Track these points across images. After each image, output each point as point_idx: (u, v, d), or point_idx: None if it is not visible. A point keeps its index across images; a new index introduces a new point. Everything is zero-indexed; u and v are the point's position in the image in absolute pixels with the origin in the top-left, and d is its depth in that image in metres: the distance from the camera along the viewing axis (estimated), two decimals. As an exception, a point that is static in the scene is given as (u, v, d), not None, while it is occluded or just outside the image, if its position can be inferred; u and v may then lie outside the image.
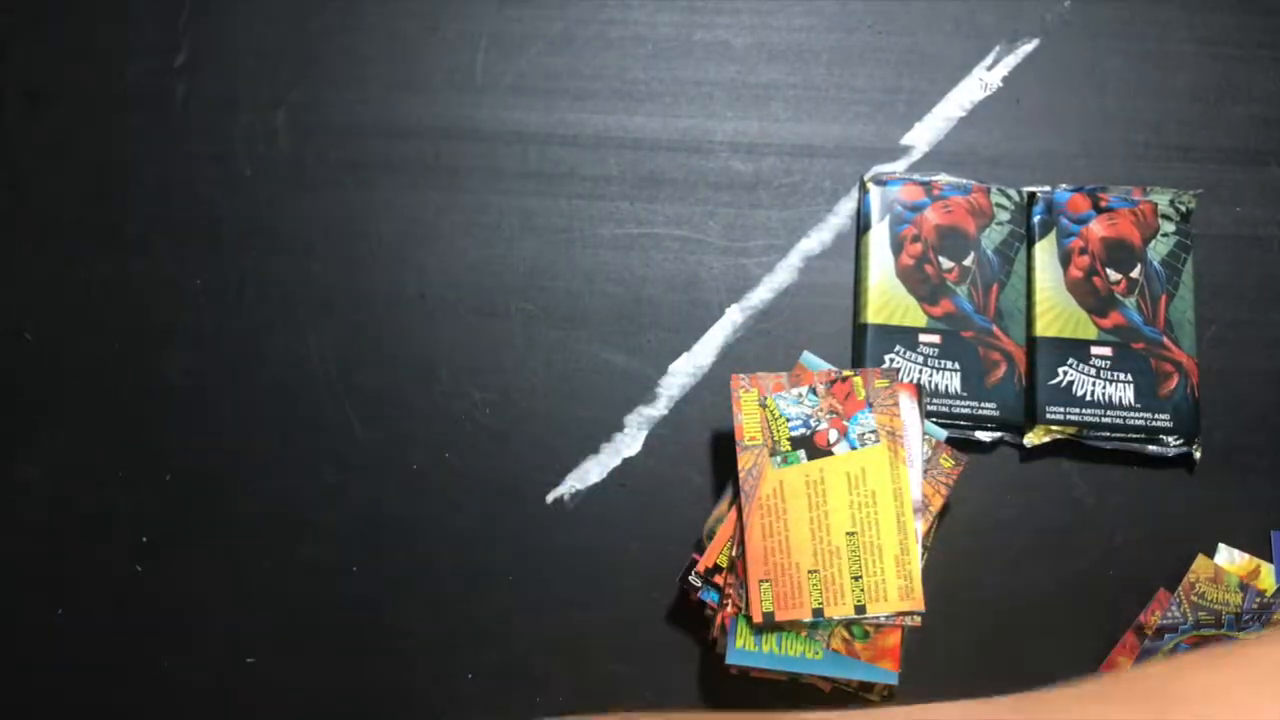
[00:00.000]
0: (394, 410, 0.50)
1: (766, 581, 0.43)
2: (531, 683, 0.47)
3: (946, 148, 0.52)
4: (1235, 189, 0.52)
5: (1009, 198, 0.50)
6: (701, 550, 0.45)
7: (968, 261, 0.49)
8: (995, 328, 0.49)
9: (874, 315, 0.49)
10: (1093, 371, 0.48)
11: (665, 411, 0.50)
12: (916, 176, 0.51)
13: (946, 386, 0.48)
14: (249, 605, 0.48)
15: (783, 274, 0.51)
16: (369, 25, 0.54)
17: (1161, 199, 0.50)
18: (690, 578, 0.45)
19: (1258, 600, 0.45)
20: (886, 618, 0.43)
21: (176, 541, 0.49)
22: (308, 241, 0.52)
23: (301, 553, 0.49)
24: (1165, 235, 0.50)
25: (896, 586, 0.43)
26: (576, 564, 0.48)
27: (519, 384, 0.50)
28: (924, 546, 0.44)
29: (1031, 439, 0.48)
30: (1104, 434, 0.48)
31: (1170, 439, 0.48)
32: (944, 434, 0.46)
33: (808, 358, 0.47)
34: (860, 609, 0.43)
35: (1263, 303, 0.51)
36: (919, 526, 0.44)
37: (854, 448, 0.44)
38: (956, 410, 0.48)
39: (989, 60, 0.53)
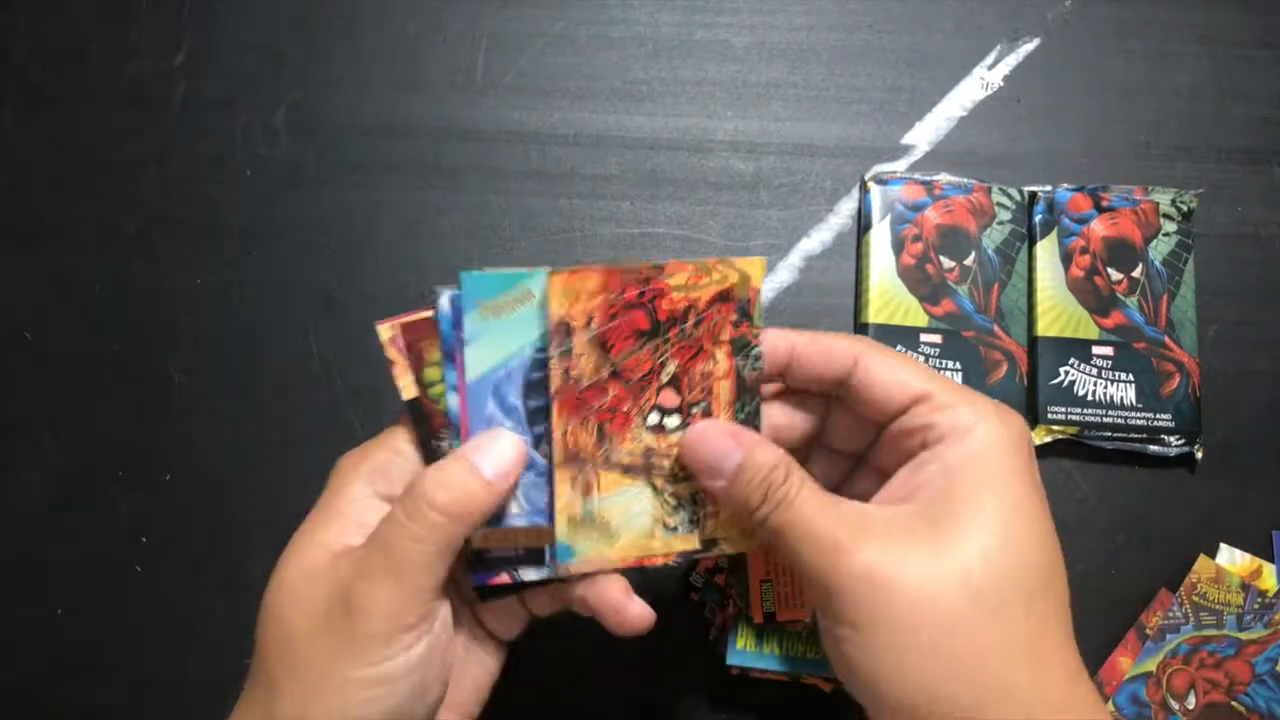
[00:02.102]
0: (394, 410, 0.50)
1: (768, 582, 0.43)
2: (531, 682, 0.47)
3: (947, 147, 0.52)
4: (1237, 189, 0.52)
5: (1010, 197, 0.50)
6: (702, 550, 0.45)
7: (969, 261, 0.49)
8: (996, 327, 0.49)
9: (875, 315, 0.49)
10: (1094, 371, 0.48)
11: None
12: (917, 176, 0.51)
13: (947, 386, 0.48)
14: (249, 605, 0.48)
15: (783, 273, 0.51)
16: (369, 25, 0.54)
17: (1163, 198, 0.50)
18: (690, 578, 0.45)
19: (1259, 600, 0.45)
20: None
21: (176, 541, 0.49)
22: (308, 241, 0.52)
23: (301, 553, 0.49)
24: (1167, 235, 0.50)
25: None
26: (577, 564, 0.48)
27: (519, 384, 0.50)
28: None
29: (1033, 439, 0.48)
30: (1105, 434, 0.48)
31: (1172, 439, 0.48)
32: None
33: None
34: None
35: (1264, 303, 0.51)
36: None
37: (855, 447, 0.44)
38: (957, 410, 0.48)
39: (990, 59, 0.53)
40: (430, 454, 0.33)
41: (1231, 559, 0.47)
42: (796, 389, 0.35)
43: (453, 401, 0.32)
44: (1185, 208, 0.50)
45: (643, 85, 0.53)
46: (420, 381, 0.33)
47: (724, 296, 0.32)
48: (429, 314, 0.32)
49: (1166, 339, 0.49)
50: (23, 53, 0.54)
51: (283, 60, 0.54)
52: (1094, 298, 0.49)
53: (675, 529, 0.34)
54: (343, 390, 0.50)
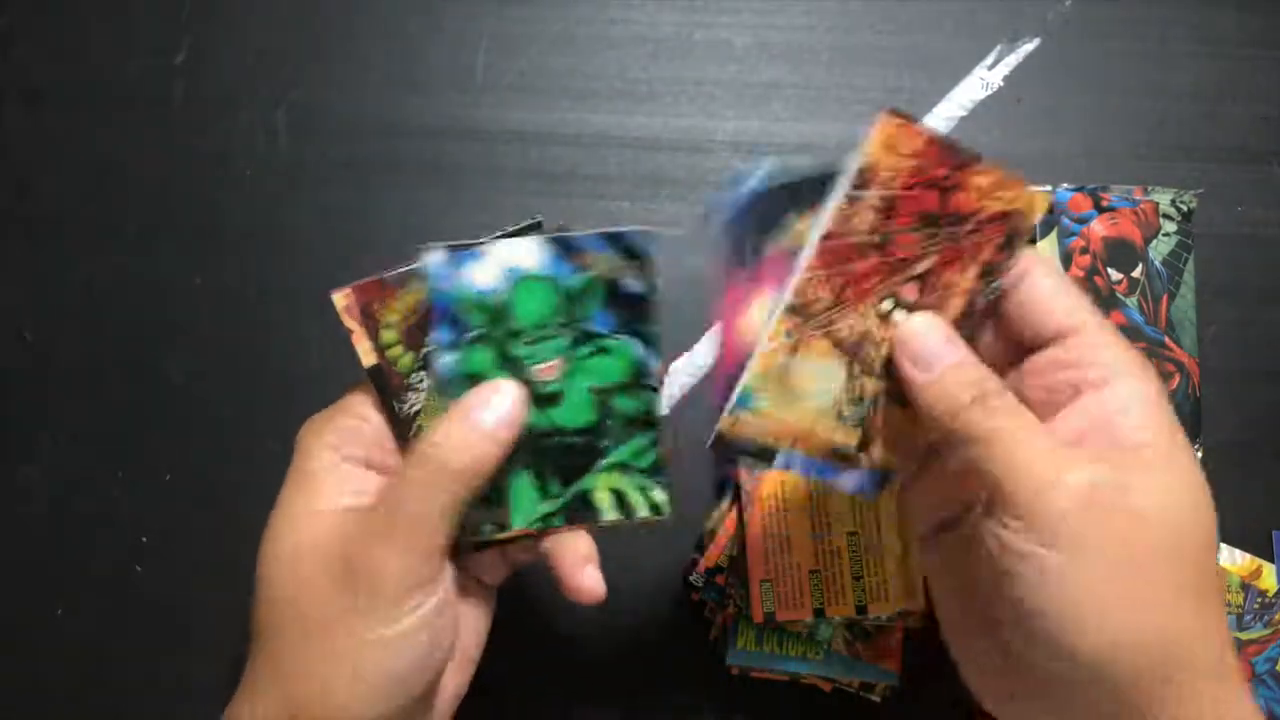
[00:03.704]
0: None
1: (768, 582, 0.43)
2: (531, 682, 0.47)
3: (947, 147, 0.52)
4: (1236, 189, 0.52)
5: (1010, 197, 0.50)
6: (701, 550, 0.45)
7: (969, 261, 0.49)
8: (996, 327, 0.49)
9: (875, 315, 0.49)
10: (1094, 371, 0.48)
11: (665, 411, 0.50)
12: (917, 176, 0.51)
13: (947, 386, 0.48)
14: (249, 605, 0.48)
15: (783, 274, 0.51)
16: (369, 25, 0.54)
17: (1163, 198, 0.50)
18: (690, 578, 0.45)
19: (1259, 600, 0.45)
20: (888, 618, 0.43)
21: (176, 541, 0.49)
22: (308, 241, 0.52)
23: (302, 553, 0.49)
24: (1166, 235, 0.50)
25: (898, 586, 0.43)
26: (577, 564, 0.48)
27: (519, 384, 0.50)
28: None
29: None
30: (1105, 434, 0.48)
31: (1171, 439, 0.48)
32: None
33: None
34: (862, 609, 0.43)
35: (1264, 303, 0.51)
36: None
37: (855, 447, 0.44)
38: (957, 410, 0.48)
39: (990, 60, 0.53)
40: (394, 416, 0.34)
41: (1231, 559, 0.47)
42: None
43: (447, 360, 0.33)
44: (1185, 208, 0.50)
45: (643, 85, 0.53)
46: (378, 345, 0.33)
47: (1003, 217, 0.32)
48: (379, 277, 0.33)
49: (1166, 339, 0.49)
50: (23, 53, 0.54)
51: (283, 60, 0.54)
52: (1094, 298, 0.49)
53: (845, 419, 0.34)
54: (343, 390, 0.50)
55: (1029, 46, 0.54)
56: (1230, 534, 0.47)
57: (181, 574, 0.49)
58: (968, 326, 0.33)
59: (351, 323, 0.33)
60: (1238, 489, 0.48)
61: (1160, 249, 0.50)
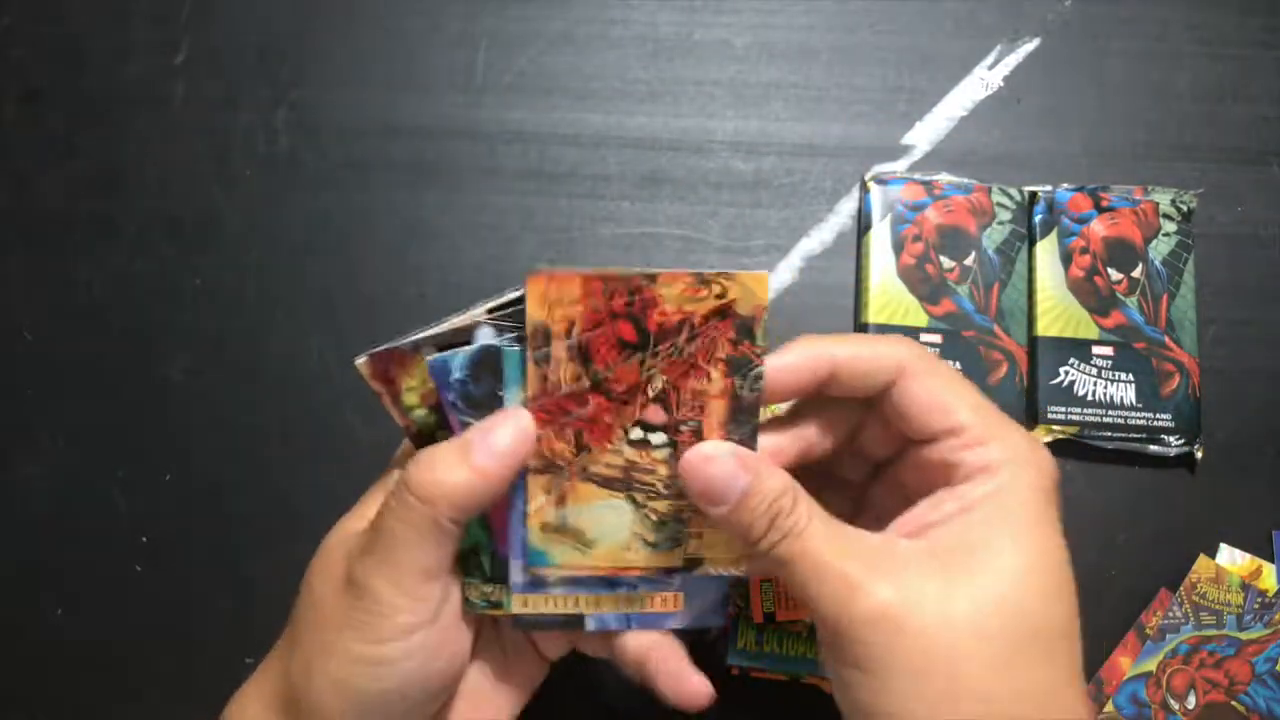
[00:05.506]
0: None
1: (768, 582, 0.43)
2: (532, 683, 0.47)
3: (947, 147, 0.52)
4: (1236, 189, 0.52)
5: (1010, 197, 0.50)
6: (702, 550, 0.45)
7: (969, 261, 0.49)
8: (996, 327, 0.49)
9: (875, 315, 0.49)
10: (1094, 371, 0.48)
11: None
12: (917, 176, 0.51)
13: (947, 386, 0.48)
14: (249, 605, 0.48)
15: (783, 274, 0.51)
16: (369, 24, 0.54)
17: (1163, 198, 0.50)
18: (691, 578, 0.45)
19: (1259, 600, 0.45)
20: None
21: (176, 541, 0.49)
22: (308, 241, 0.52)
23: (301, 552, 0.48)
24: (1167, 235, 0.50)
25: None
26: (577, 564, 0.48)
27: (519, 384, 0.50)
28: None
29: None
30: (1105, 434, 0.48)
31: (1171, 439, 0.48)
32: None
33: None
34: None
35: (1264, 302, 0.51)
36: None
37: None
38: (957, 410, 0.48)
39: (990, 60, 0.53)
40: None
41: (1231, 559, 0.47)
42: (828, 397, 0.33)
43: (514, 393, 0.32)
44: (1185, 208, 0.50)
45: (643, 85, 0.53)
46: (401, 408, 0.33)
47: (722, 313, 0.30)
48: (393, 347, 0.33)
49: (1166, 339, 0.49)
50: (22, 53, 0.54)
51: (283, 60, 0.54)
52: (1094, 298, 0.49)
53: (656, 545, 0.33)
54: (343, 390, 0.50)
55: (1029, 46, 0.54)
56: (1230, 534, 0.47)
57: (181, 574, 0.49)
58: (743, 423, 0.31)
59: (378, 387, 0.33)
60: (1238, 489, 0.49)
61: (1160, 249, 0.50)
